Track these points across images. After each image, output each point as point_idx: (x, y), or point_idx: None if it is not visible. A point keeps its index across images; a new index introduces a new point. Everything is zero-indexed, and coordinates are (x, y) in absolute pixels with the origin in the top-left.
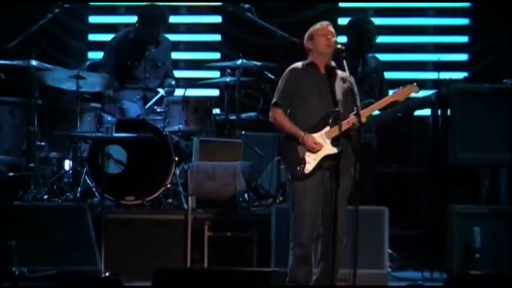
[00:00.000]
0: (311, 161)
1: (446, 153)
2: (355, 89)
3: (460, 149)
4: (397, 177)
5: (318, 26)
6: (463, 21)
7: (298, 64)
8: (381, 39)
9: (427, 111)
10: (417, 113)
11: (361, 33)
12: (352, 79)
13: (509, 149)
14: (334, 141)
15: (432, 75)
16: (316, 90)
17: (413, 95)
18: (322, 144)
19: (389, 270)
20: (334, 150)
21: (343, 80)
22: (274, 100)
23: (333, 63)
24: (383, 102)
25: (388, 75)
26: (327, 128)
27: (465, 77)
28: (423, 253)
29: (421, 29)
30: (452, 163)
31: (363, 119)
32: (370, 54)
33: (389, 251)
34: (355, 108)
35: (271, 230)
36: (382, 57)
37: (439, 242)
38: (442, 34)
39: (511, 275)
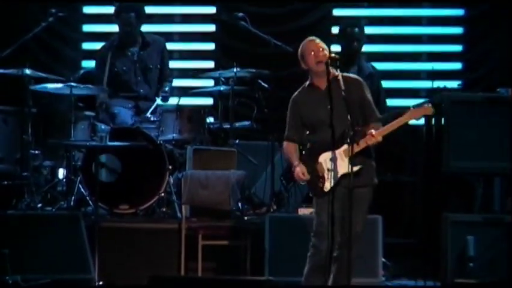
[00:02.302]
0: (330, 180)
1: (440, 162)
2: (368, 95)
3: (454, 158)
4: (391, 185)
5: (304, 44)
6: (457, 30)
7: (297, 92)
8: (374, 48)
9: (420, 120)
10: (411, 122)
11: (347, 37)
12: (362, 82)
13: (503, 158)
14: (354, 158)
15: (426, 84)
16: (323, 111)
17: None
18: (336, 164)
19: (383, 279)
20: (352, 169)
21: (353, 84)
22: (285, 132)
23: (336, 73)
24: (400, 121)
25: (382, 84)
26: (345, 147)
27: (459, 85)
28: (417, 262)
29: (415, 38)
30: (446, 172)
31: (379, 138)
32: (366, 62)
33: (383, 259)
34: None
35: (265, 238)
36: (376, 66)
37: (433, 250)
38: (436, 43)
39: (504, 284)
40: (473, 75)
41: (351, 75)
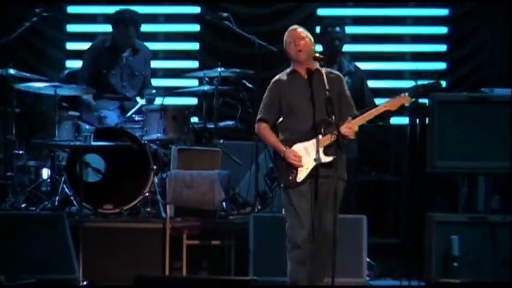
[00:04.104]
0: (303, 170)
1: (424, 161)
2: (347, 91)
3: (438, 158)
4: (376, 185)
5: (287, 32)
6: (441, 29)
7: (281, 74)
8: (359, 47)
9: (405, 120)
10: (396, 121)
11: (328, 37)
12: (341, 78)
13: (487, 157)
14: (327, 149)
15: (410, 83)
16: (303, 98)
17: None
18: (309, 154)
19: (368, 278)
20: (326, 159)
21: (334, 79)
22: (258, 114)
23: (317, 65)
24: (375, 111)
25: (368, 84)
26: (319, 137)
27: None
28: (401, 261)
29: (399, 38)
30: (430, 171)
31: (355, 128)
32: (348, 60)
33: (368, 259)
34: (348, 116)
35: (249, 238)
36: (361, 65)
37: (417, 250)
38: (420, 43)
39: (489, 284)
40: (458, 75)
41: (333, 70)
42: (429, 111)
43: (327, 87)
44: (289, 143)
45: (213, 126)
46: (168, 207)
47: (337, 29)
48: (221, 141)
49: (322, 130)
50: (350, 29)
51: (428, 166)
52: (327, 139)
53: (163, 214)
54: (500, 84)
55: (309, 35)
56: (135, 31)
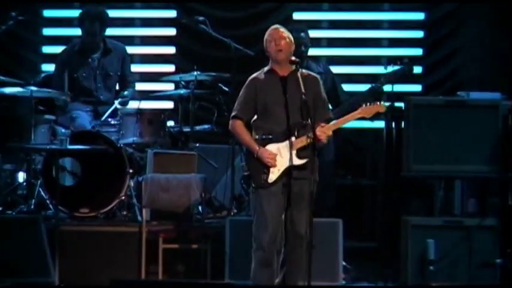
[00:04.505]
0: (275, 171)
1: (400, 165)
2: (323, 92)
3: (414, 161)
4: (352, 189)
5: (268, 31)
6: (417, 33)
7: (258, 73)
8: (335, 51)
9: (381, 123)
10: (371, 125)
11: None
12: (318, 80)
13: (463, 161)
14: (300, 151)
15: (386, 87)
16: (278, 98)
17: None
18: (282, 156)
19: (344, 282)
20: (298, 161)
21: (311, 81)
22: (233, 111)
23: (294, 67)
24: (351, 117)
25: (341, 85)
26: (293, 139)
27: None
28: (377, 265)
29: (375, 41)
30: (406, 175)
31: (329, 133)
32: (316, 62)
33: (344, 263)
34: (323, 119)
35: (225, 242)
36: (336, 69)
37: (393, 254)
38: (396, 46)
39: (465, 287)
40: (434, 78)
41: (310, 72)
42: (405, 115)
43: (303, 89)
44: (263, 143)
45: (189, 129)
46: (144, 210)
47: (302, 34)
48: (197, 144)
49: (296, 132)
50: (326, 33)
51: (404, 170)
52: (300, 141)
53: (139, 218)
54: (476, 88)
55: (290, 36)
56: (101, 28)
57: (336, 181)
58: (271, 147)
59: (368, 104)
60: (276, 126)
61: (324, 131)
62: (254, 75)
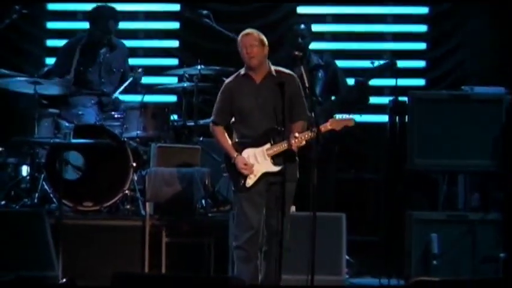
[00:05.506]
0: (252, 176)
1: (403, 159)
2: (301, 91)
3: (418, 155)
4: (355, 183)
5: (239, 37)
6: (421, 28)
7: (233, 77)
8: (339, 45)
9: (384, 118)
10: (375, 119)
11: (293, 35)
12: (295, 77)
13: (466, 155)
14: (276, 158)
15: (390, 81)
16: (254, 103)
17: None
18: (258, 161)
19: (347, 276)
20: (274, 168)
21: (286, 80)
22: (212, 116)
23: (272, 68)
24: (323, 128)
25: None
26: (268, 145)
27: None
28: (381, 259)
29: (379, 36)
30: (409, 169)
31: (303, 143)
32: (317, 55)
33: (347, 257)
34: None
35: (228, 236)
36: (341, 63)
37: (397, 248)
38: (400, 41)
39: (468, 281)
40: (437, 73)
41: (286, 70)
42: (408, 109)
43: (277, 86)
44: (241, 147)
45: (192, 123)
46: (147, 204)
47: (302, 26)
48: (201, 138)
49: (272, 139)
50: (330, 27)
51: (407, 164)
52: (276, 149)
53: (142, 211)
54: (480, 82)
55: (263, 39)
56: (115, 25)
57: (339, 175)
58: (248, 153)
59: (338, 116)
60: (252, 131)
61: (299, 140)
62: (229, 79)
